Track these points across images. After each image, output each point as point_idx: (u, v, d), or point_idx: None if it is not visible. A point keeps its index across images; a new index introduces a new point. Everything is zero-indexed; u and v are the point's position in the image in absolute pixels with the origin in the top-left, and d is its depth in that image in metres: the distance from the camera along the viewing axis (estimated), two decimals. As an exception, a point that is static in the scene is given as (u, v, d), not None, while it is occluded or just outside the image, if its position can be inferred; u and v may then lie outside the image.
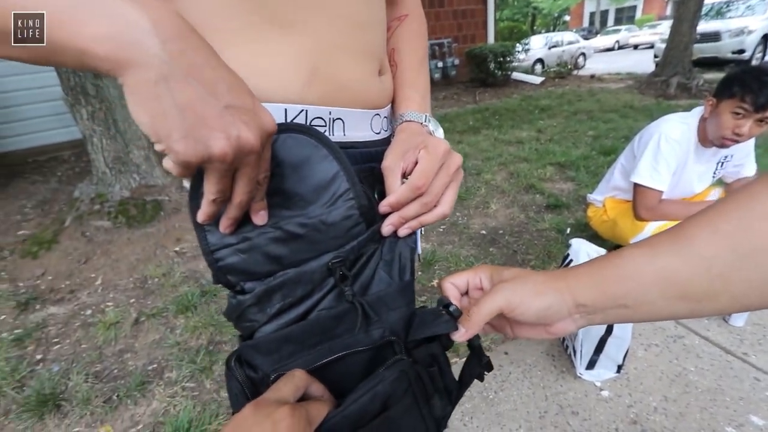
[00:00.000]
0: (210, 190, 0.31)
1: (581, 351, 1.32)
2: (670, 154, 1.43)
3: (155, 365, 1.56)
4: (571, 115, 4.56)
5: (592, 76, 7.62)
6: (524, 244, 2.14)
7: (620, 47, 20.62)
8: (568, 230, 2.15)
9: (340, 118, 0.41)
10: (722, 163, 1.54)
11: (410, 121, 0.47)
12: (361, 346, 0.39)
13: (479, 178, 3.01)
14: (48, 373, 1.53)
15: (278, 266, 0.38)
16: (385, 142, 0.47)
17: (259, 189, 0.34)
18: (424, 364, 0.42)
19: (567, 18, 35.17)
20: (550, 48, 12.10)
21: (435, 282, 1.91)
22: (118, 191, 2.43)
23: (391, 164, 0.41)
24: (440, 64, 6.39)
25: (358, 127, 0.43)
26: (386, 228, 0.41)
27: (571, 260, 1.40)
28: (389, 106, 0.49)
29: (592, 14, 31.93)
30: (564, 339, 1.45)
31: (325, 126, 0.40)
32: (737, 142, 1.33)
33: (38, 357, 1.65)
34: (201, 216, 0.34)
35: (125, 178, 2.45)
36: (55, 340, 1.74)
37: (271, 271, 0.38)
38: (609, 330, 1.26)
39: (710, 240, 0.30)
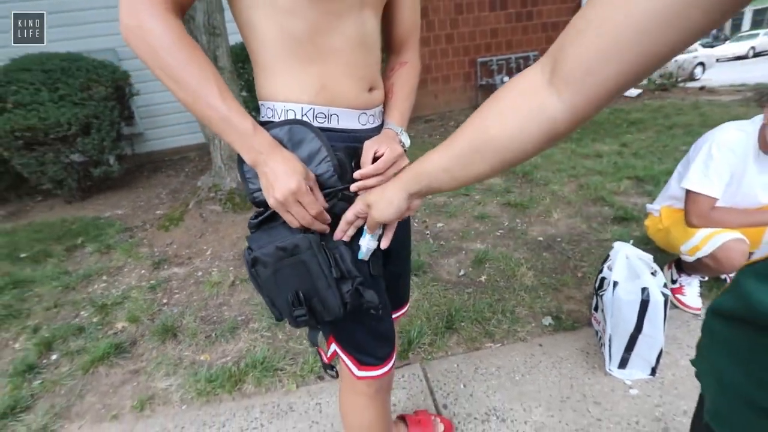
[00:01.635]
0: (290, 220, 0.63)
1: (610, 348, 1.37)
2: (723, 161, 1.40)
3: (243, 317, 1.96)
4: (665, 129, 4.21)
5: (702, 88, 6.80)
6: (580, 252, 2.15)
7: (757, 54, 17.69)
8: (631, 241, 2.11)
9: (335, 114, 0.67)
10: None
11: (389, 128, 0.74)
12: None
13: (546, 188, 3.02)
14: (170, 312, 2.03)
15: None
16: (371, 131, 0.72)
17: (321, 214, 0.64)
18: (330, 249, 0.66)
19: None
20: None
21: (483, 278, 2.04)
22: (228, 183, 3.00)
23: (368, 146, 0.68)
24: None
25: (347, 120, 0.68)
26: (353, 187, 0.66)
27: (610, 261, 1.45)
28: (376, 108, 0.73)
29: (720, 17, 27.83)
30: (598, 333, 1.50)
31: (326, 118, 0.66)
32: None
33: (164, 301, 2.17)
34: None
35: (234, 173, 3.02)
36: (176, 291, 2.26)
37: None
38: (639, 327, 1.30)
39: (460, 137, 0.50)
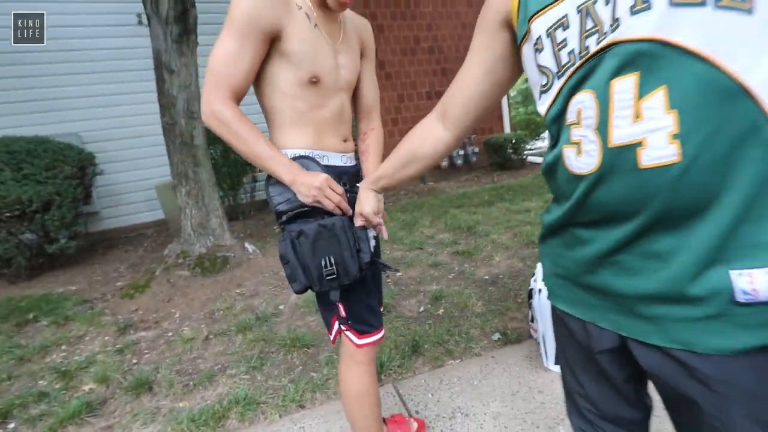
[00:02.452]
0: (326, 202, 0.95)
1: (545, 346, 1.66)
2: None
3: (220, 366, 2.03)
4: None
5: None
6: (518, 284, 2.52)
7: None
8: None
9: (326, 155, 1.02)
10: None
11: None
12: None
13: (487, 238, 3.47)
14: (143, 369, 2.04)
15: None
16: (348, 167, 1.07)
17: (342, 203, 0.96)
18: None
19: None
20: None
21: (440, 311, 2.31)
22: (197, 249, 3.14)
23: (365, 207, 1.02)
24: (461, 152, 7.27)
25: (334, 160, 1.03)
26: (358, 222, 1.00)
27: (535, 275, 1.82)
28: (350, 153, 1.10)
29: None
30: (537, 340, 1.79)
31: (321, 158, 1.00)
32: None
33: (134, 361, 2.18)
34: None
35: (204, 239, 3.18)
36: (146, 351, 2.27)
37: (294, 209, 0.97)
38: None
39: (397, 154, 0.88)
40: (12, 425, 1.76)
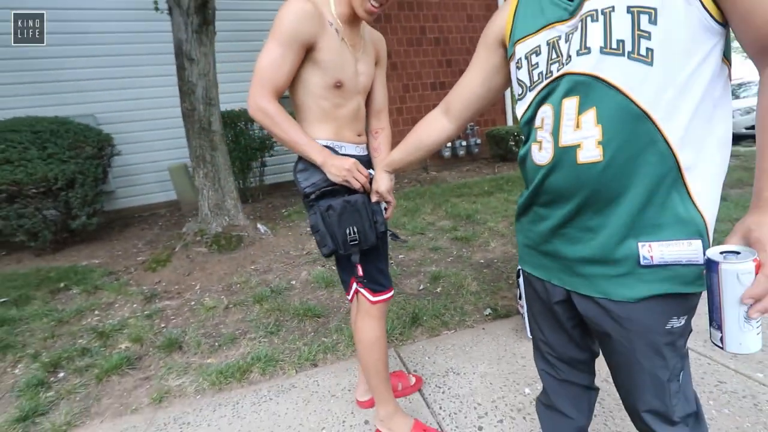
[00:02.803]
0: (353, 182, 1.17)
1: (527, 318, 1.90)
2: None
3: (240, 330, 2.28)
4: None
5: None
6: (511, 267, 2.75)
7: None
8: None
9: (343, 146, 1.23)
10: None
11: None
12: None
13: (485, 226, 3.70)
14: (172, 331, 2.29)
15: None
16: (361, 156, 1.28)
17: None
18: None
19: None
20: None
21: (438, 289, 2.55)
22: (214, 228, 3.37)
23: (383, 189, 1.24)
24: (464, 143, 7.45)
25: (349, 149, 1.25)
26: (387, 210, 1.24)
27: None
28: (363, 144, 1.31)
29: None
30: (522, 314, 2.03)
31: (339, 147, 1.22)
32: None
33: (162, 325, 2.43)
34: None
35: (220, 219, 3.40)
36: (172, 317, 2.53)
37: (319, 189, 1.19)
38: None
39: (406, 142, 1.11)
40: (61, 374, 2.02)
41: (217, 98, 3.33)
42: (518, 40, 0.79)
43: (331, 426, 1.52)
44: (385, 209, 1.28)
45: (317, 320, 2.31)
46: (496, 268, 2.80)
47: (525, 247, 0.92)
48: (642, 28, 0.62)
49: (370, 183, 1.21)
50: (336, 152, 1.20)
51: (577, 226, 0.76)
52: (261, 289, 2.69)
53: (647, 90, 0.64)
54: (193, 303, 2.68)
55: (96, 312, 2.66)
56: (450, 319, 2.18)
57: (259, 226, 3.62)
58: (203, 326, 2.37)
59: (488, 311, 2.22)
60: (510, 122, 8.25)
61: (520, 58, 0.79)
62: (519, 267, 2.03)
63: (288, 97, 1.22)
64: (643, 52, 0.63)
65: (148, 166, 5.52)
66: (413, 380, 1.66)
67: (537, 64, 0.75)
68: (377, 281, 1.27)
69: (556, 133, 0.72)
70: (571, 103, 0.69)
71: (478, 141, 7.62)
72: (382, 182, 1.19)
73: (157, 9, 3.74)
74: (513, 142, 7.31)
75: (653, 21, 0.62)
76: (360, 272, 1.24)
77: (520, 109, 0.81)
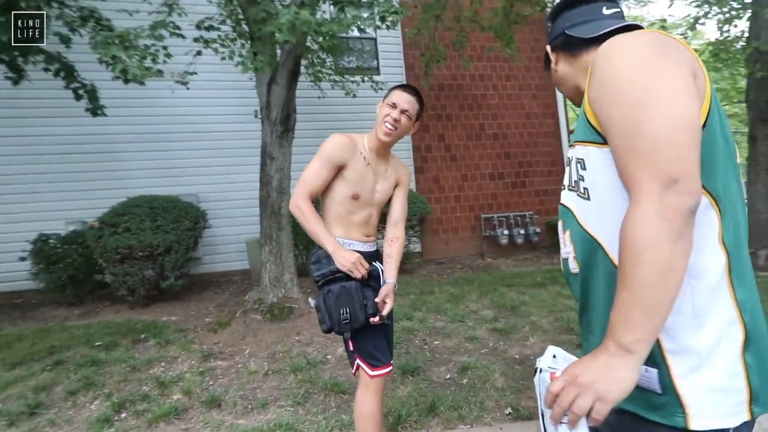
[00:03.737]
0: (355, 273, 1.45)
1: (543, 421, 1.85)
2: None
3: (273, 397, 2.49)
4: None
5: None
6: (544, 366, 2.65)
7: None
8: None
9: (352, 243, 1.52)
10: None
11: (390, 282, 1.57)
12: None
13: (528, 319, 3.61)
14: (216, 389, 2.58)
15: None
16: (368, 252, 1.56)
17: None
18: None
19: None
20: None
21: (464, 381, 2.55)
22: (270, 298, 3.78)
23: (386, 292, 1.51)
24: (522, 232, 7.42)
25: (357, 246, 1.53)
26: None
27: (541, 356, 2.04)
28: (371, 242, 1.59)
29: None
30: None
31: (348, 245, 1.51)
32: None
33: (210, 383, 2.73)
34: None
35: (277, 291, 3.82)
36: (220, 377, 2.83)
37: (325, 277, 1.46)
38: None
39: None
40: (123, 414, 2.37)
41: (288, 188, 3.97)
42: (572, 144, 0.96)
43: (330, 502, 1.59)
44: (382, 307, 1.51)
45: (342, 396, 2.44)
46: (529, 365, 2.72)
47: None
48: (579, 173, 0.82)
49: (371, 275, 1.47)
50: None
51: (584, 328, 0.90)
52: (299, 360, 2.92)
53: (590, 219, 0.79)
54: (240, 366, 2.98)
55: (162, 363, 3.08)
56: (468, 413, 2.16)
57: (310, 300, 3.96)
58: (243, 388, 2.62)
59: (509, 411, 2.17)
60: (573, 212, 8.11)
61: (570, 157, 0.93)
62: (536, 366, 2.02)
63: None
64: (581, 190, 0.81)
65: (231, 237, 6.40)
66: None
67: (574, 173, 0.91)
68: (374, 357, 1.45)
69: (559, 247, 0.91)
70: (560, 225, 0.89)
71: (538, 230, 7.54)
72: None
73: (256, 116, 4.73)
74: (575, 232, 7.12)
75: (584, 168, 0.81)
76: (350, 347, 1.45)
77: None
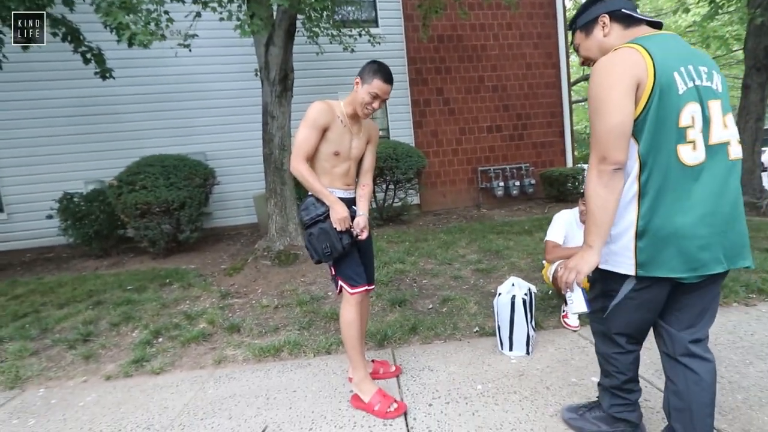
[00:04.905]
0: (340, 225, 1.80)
1: (500, 335, 2.28)
2: (557, 223, 2.54)
3: (282, 324, 2.96)
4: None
5: None
6: (514, 298, 3.08)
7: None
8: (550, 291, 3.05)
9: (334, 191, 1.86)
10: None
11: (360, 215, 1.91)
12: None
13: (508, 260, 4.01)
14: (235, 319, 3.06)
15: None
16: (349, 198, 1.91)
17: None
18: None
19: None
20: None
21: (444, 309, 2.99)
22: (278, 246, 4.21)
23: (360, 223, 1.87)
24: (517, 184, 7.68)
25: (339, 193, 1.86)
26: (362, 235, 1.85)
27: (503, 284, 2.44)
28: (351, 190, 1.93)
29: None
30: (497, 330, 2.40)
31: (333, 192, 1.84)
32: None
33: (230, 315, 3.22)
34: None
35: (283, 239, 4.24)
36: (238, 310, 3.32)
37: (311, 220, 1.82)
38: (511, 320, 2.24)
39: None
40: (161, 339, 2.87)
41: (289, 145, 4.26)
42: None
43: (327, 391, 2.07)
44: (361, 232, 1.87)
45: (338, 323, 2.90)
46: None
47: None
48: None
49: (352, 219, 1.83)
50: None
51: None
52: (304, 296, 3.38)
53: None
54: (254, 302, 3.46)
55: (187, 301, 3.57)
56: (443, 332, 2.61)
57: (313, 247, 4.38)
58: (257, 318, 3.10)
59: (476, 329, 2.61)
60: (569, 164, 8.28)
61: None
62: (497, 290, 2.43)
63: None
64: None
65: (239, 194, 6.79)
66: (393, 368, 2.15)
67: None
68: (352, 278, 1.83)
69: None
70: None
71: (533, 181, 7.79)
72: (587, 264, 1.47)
73: (256, 74, 4.91)
74: (570, 183, 7.37)
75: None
76: (333, 272, 1.84)
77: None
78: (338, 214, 1.77)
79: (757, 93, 5.47)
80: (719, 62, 10.55)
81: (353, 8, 7.19)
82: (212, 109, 6.71)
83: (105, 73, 4.86)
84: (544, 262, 2.85)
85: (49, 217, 5.52)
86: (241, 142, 6.76)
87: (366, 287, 1.90)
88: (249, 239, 6.11)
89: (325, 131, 1.81)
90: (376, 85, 1.79)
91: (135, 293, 3.83)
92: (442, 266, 4.06)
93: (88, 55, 4.71)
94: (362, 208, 1.93)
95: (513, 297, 2.25)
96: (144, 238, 5.01)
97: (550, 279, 2.60)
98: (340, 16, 7.11)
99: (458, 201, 7.84)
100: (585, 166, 8.47)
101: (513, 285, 2.38)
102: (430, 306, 3.08)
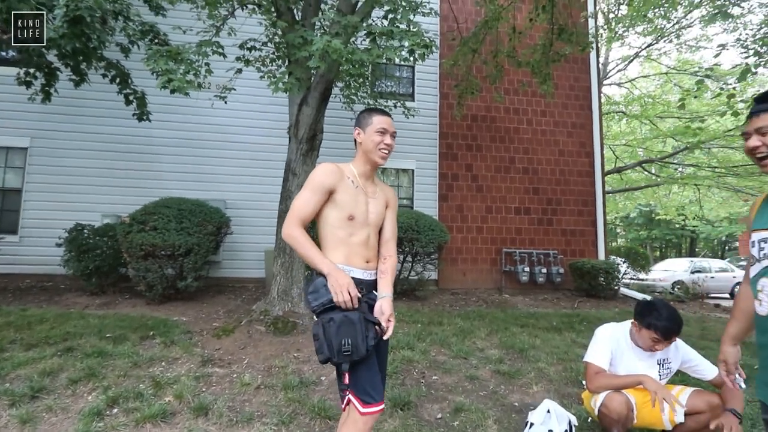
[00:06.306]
0: (342, 299, 1.42)
1: None
2: (602, 341, 2.05)
3: (260, 412, 2.47)
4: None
5: (717, 305, 7.08)
6: (543, 419, 2.50)
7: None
8: (588, 419, 2.47)
9: (352, 270, 1.51)
10: (662, 362, 1.97)
11: (384, 297, 1.54)
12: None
13: (535, 365, 3.43)
14: (207, 398, 2.59)
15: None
16: (368, 280, 1.55)
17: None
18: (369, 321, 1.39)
19: (737, 245, 32.07)
20: (692, 272, 11.63)
21: (455, 423, 2.44)
22: (277, 310, 3.82)
23: (379, 305, 1.50)
24: (544, 271, 7.14)
25: (357, 273, 1.51)
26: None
27: (535, 409, 1.93)
28: (371, 270, 1.57)
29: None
30: None
31: (349, 271, 1.50)
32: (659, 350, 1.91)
33: (203, 389, 2.76)
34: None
35: (283, 304, 3.86)
36: (214, 384, 2.85)
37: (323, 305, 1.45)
38: None
39: None
40: (115, 410, 2.42)
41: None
42: (755, 229, 1.23)
43: None
44: (386, 327, 1.49)
45: (327, 422, 2.39)
46: (527, 415, 2.56)
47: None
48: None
49: (369, 302, 1.47)
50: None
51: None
52: (292, 378, 2.90)
53: None
54: (235, 375, 2.99)
55: (163, 363, 3.15)
56: (452, 459, 2.06)
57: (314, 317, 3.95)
58: (233, 399, 2.62)
59: (496, 462, 2.04)
60: (601, 256, 7.75)
61: (754, 241, 1.21)
62: (528, 419, 1.91)
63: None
64: None
65: (251, 246, 6.57)
66: None
67: (764, 248, 1.18)
68: (368, 393, 1.40)
69: None
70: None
71: (561, 270, 7.25)
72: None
73: (288, 133, 4.92)
74: (602, 278, 6.79)
75: None
76: (346, 380, 1.42)
77: (753, 271, 1.23)
78: (338, 281, 1.40)
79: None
80: None
81: (392, 82, 7.45)
82: (239, 160, 6.78)
83: (143, 115, 4.99)
84: (584, 382, 2.32)
85: (59, 245, 5.40)
86: (262, 195, 6.69)
87: (382, 406, 1.45)
88: (252, 294, 5.73)
89: (331, 194, 1.53)
90: (378, 120, 1.59)
91: (111, 343, 3.44)
92: (457, 360, 3.51)
93: (131, 97, 4.87)
94: (385, 288, 1.57)
95: (549, 432, 1.73)
96: (142, 280, 4.74)
97: (596, 412, 2.04)
98: (378, 89, 7.36)
99: (479, 282, 7.33)
100: (618, 259, 7.90)
101: (549, 413, 1.87)
102: (439, 415, 2.53)
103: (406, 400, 2.63)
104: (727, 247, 32.59)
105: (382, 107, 5.99)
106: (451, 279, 7.19)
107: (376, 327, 1.44)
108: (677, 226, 26.60)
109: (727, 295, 11.62)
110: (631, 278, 8.97)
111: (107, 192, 6.36)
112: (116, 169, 6.44)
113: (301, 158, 3.94)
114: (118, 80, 4.85)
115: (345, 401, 1.47)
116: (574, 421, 1.86)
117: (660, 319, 1.88)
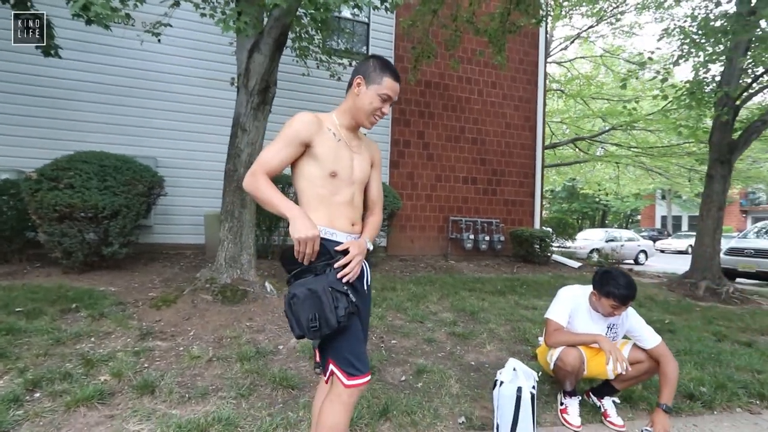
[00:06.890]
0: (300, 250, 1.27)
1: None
2: (564, 301, 2.20)
3: (214, 386, 2.29)
4: (594, 298, 5.05)
5: (630, 270, 8.07)
6: (500, 377, 2.64)
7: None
8: (539, 372, 2.64)
9: (335, 233, 1.37)
10: (611, 327, 2.17)
11: (361, 240, 1.43)
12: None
13: (486, 326, 3.61)
14: (151, 373, 2.34)
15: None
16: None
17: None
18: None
19: (639, 218, 36.71)
20: (607, 241, 13.05)
21: (419, 384, 2.47)
22: (224, 278, 3.54)
23: (347, 243, 1.37)
24: (487, 238, 7.51)
25: (340, 237, 1.38)
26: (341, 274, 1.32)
27: (503, 369, 2.00)
28: (356, 235, 1.44)
29: (663, 218, 32.85)
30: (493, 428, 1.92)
31: (331, 234, 1.36)
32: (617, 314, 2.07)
33: (146, 365, 2.49)
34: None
35: (232, 271, 3.58)
36: (158, 359, 2.59)
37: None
38: (515, 421, 1.77)
39: None
40: (37, 395, 2.09)
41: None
42: None
43: None
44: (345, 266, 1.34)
45: (290, 392, 2.29)
46: (485, 373, 2.69)
47: None
48: None
49: (331, 269, 1.33)
50: (328, 239, 1.35)
51: None
52: (247, 348, 2.73)
53: None
54: (181, 349, 2.74)
55: (92, 339, 2.78)
56: (421, 420, 2.08)
57: (267, 284, 3.75)
58: (182, 374, 2.40)
59: (462, 420, 2.11)
60: (537, 225, 8.32)
61: None
62: (496, 378, 1.98)
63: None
64: None
65: (188, 209, 6.01)
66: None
67: None
68: (352, 364, 1.29)
69: None
70: None
71: (502, 238, 7.67)
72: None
73: (233, 83, 4.40)
74: (538, 245, 7.30)
75: None
76: (317, 358, 1.30)
77: None
78: (299, 230, 1.24)
79: (720, 184, 5.77)
80: (677, 150, 11.45)
81: (345, 38, 7.01)
82: (174, 113, 6.03)
83: (50, 48, 4.14)
84: (540, 340, 2.46)
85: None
86: (201, 153, 6.09)
87: (368, 378, 1.35)
88: (191, 262, 5.30)
89: (308, 148, 1.36)
90: (388, 85, 1.41)
91: (24, 319, 2.97)
92: (413, 324, 3.57)
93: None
94: (366, 235, 1.48)
95: (519, 389, 1.80)
96: (58, 246, 4.11)
97: (551, 366, 2.18)
98: (331, 44, 6.88)
99: (426, 249, 7.51)
100: (549, 229, 8.56)
101: (515, 371, 1.94)
102: (403, 378, 2.55)
103: (370, 365, 2.60)
104: (630, 220, 37.32)
105: (336, 63, 5.63)
106: (399, 246, 7.27)
107: (348, 297, 1.32)
108: (595, 200, 29.64)
109: (632, 261, 13.31)
110: (558, 246, 9.86)
111: (5, 142, 5.34)
112: (17, 115, 5.40)
113: (252, 112, 3.56)
114: (12, 0, 3.92)
115: (328, 373, 1.36)
116: (536, 376, 1.96)
117: (618, 288, 2.01)
